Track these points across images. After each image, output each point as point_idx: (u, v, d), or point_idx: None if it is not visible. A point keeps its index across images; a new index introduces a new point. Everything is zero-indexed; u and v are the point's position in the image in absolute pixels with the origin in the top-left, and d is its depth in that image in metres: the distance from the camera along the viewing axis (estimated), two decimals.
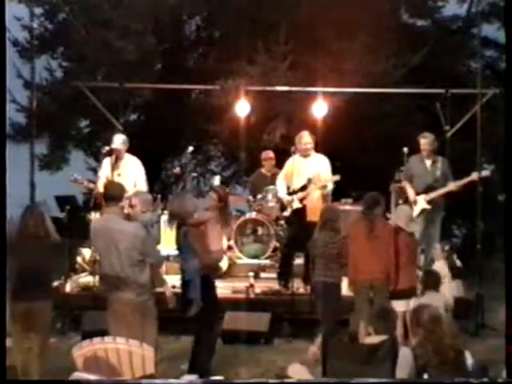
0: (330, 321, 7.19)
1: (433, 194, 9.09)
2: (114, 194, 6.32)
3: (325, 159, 9.07)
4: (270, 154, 10.80)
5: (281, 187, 9.28)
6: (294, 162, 9.09)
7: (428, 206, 9.02)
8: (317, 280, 7.40)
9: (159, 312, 6.35)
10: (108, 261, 6.12)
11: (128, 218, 6.31)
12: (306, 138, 9.04)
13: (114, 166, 9.15)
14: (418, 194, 9.16)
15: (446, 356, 5.06)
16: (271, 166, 10.62)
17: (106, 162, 9.33)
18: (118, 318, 6.05)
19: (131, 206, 6.43)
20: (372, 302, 7.19)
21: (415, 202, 9.03)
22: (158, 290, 6.48)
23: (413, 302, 7.19)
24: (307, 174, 8.90)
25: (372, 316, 5.59)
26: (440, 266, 8.27)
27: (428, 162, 9.24)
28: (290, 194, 9.02)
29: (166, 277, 9.09)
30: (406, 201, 9.20)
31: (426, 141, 9.22)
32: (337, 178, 8.86)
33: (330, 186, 8.92)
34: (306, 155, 9.00)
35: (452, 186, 9.08)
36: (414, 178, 9.28)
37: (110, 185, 6.65)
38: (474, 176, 9.01)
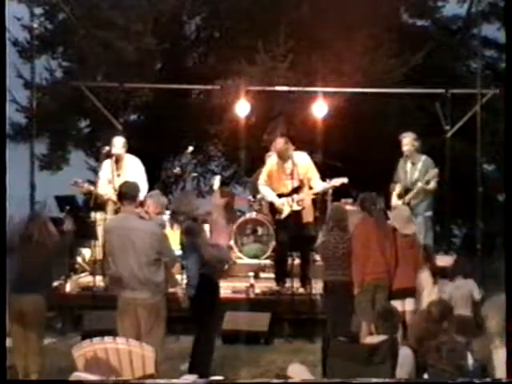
0: (342, 319, 7.18)
1: (407, 197, 8.85)
2: (129, 193, 6.31)
3: (306, 156, 8.92)
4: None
5: (267, 191, 9.03)
6: (274, 164, 8.93)
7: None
8: (330, 279, 7.38)
9: None
10: (123, 260, 6.08)
11: (142, 218, 6.34)
12: (278, 145, 8.84)
13: (115, 167, 9.18)
14: (400, 197, 8.99)
15: (448, 350, 5.07)
16: None
17: (107, 164, 9.33)
18: (129, 318, 6.04)
19: (145, 208, 6.47)
20: (374, 302, 7.19)
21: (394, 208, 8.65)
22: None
23: (409, 303, 7.22)
24: (295, 175, 8.77)
25: (375, 316, 5.58)
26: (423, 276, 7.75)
27: (409, 164, 9.00)
28: (280, 196, 8.91)
29: None
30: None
31: (405, 141, 8.95)
32: (344, 180, 8.72)
33: (326, 185, 8.84)
34: (284, 157, 8.80)
35: (420, 185, 8.82)
36: (399, 182, 9.10)
37: (126, 184, 6.64)
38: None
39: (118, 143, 9.31)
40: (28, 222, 6.58)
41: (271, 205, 9.12)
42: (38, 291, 6.43)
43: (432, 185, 8.85)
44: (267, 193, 9.07)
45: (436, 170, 8.80)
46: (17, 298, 6.32)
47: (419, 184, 8.81)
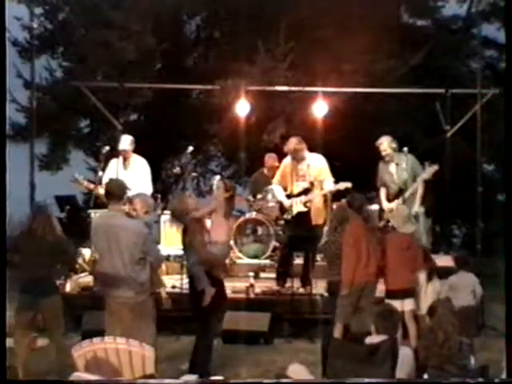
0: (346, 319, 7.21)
1: (405, 195, 8.72)
2: (115, 192, 6.33)
3: (321, 158, 8.93)
4: (272, 156, 10.70)
5: (278, 190, 9.12)
6: (288, 165, 8.96)
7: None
8: (333, 279, 7.39)
9: (159, 312, 6.35)
10: (108, 258, 6.11)
11: (130, 216, 6.34)
12: (290, 145, 8.84)
13: (122, 166, 9.19)
14: (391, 200, 8.89)
15: (449, 350, 5.07)
16: (273, 168, 10.52)
17: (113, 163, 9.33)
18: (116, 317, 6.04)
19: (133, 207, 6.47)
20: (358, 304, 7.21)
21: (390, 211, 8.56)
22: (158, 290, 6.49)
23: (408, 303, 7.23)
24: (307, 176, 8.80)
25: (375, 316, 5.59)
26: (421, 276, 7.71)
27: (393, 166, 8.91)
28: (289, 196, 8.93)
29: (166, 276, 9.19)
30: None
31: (383, 146, 8.86)
32: (348, 184, 8.68)
33: (331, 187, 8.81)
34: (298, 158, 8.83)
35: (415, 185, 8.71)
36: (385, 184, 9.01)
37: (112, 183, 6.66)
38: (428, 173, 8.74)
39: (126, 140, 9.33)
40: (32, 216, 6.67)
41: (281, 204, 9.15)
42: (49, 286, 6.55)
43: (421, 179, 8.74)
44: (278, 192, 9.14)
45: (436, 167, 8.73)
46: (32, 294, 6.41)
47: (418, 180, 8.75)
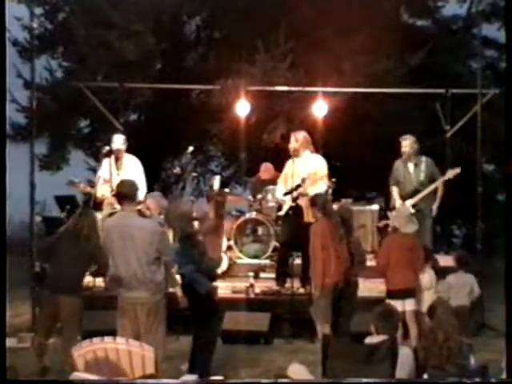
0: (347, 319, 7.23)
1: (414, 199, 8.81)
2: (128, 192, 6.32)
3: (319, 158, 8.96)
4: (268, 168, 10.72)
5: (279, 189, 9.22)
6: (289, 164, 9.00)
7: (413, 211, 8.55)
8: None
9: None
10: (123, 258, 6.08)
11: (143, 216, 6.38)
12: (299, 135, 8.93)
13: (114, 167, 9.17)
14: (405, 199, 8.96)
15: (449, 350, 5.07)
16: (268, 179, 10.55)
17: (106, 163, 9.33)
18: (129, 318, 6.04)
19: (147, 206, 6.51)
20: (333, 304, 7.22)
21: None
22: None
23: (409, 303, 7.23)
24: (302, 173, 8.80)
25: (375, 316, 5.59)
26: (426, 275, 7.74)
27: (411, 166, 8.96)
28: (285, 194, 8.96)
29: None
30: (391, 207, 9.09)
31: (406, 143, 8.92)
32: (329, 183, 8.72)
33: (324, 187, 8.80)
34: (296, 156, 8.86)
35: (428, 188, 8.82)
36: (399, 183, 9.04)
37: (124, 184, 6.66)
38: (450, 174, 8.82)
39: (118, 140, 9.31)
40: (78, 215, 6.79)
41: (278, 203, 9.24)
42: (75, 285, 6.67)
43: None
44: (278, 190, 9.25)
45: (458, 169, 8.79)
46: (58, 291, 6.53)
47: (439, 181, 8.80)
